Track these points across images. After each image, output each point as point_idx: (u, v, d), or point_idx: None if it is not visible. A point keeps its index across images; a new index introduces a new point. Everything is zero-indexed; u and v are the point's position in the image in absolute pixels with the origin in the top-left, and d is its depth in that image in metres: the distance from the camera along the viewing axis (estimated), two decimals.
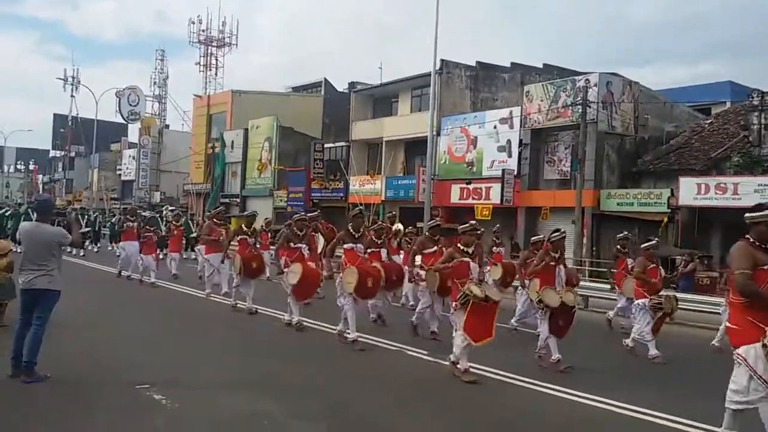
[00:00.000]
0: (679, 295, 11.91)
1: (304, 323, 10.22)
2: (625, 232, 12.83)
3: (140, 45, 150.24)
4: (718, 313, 11.48)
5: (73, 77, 62.22)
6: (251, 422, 5.63)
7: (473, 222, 8.31)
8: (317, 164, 35.78)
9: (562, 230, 8.96)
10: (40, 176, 77.06)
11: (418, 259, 10.54)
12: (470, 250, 7.81)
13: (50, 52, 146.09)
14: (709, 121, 26.22)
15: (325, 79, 45.19)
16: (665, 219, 21.52)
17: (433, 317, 9.71)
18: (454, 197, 28.10)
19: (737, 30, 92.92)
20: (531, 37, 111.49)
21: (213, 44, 56.76)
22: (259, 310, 12.30)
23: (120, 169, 58.67)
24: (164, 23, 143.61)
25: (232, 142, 42.67)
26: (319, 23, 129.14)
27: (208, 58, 56.83)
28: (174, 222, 18.47)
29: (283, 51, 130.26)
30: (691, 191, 20.75)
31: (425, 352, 8.67)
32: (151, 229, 16.15)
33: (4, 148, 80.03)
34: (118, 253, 17.80)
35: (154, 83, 62.31)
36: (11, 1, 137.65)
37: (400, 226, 15.70)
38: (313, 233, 11.90)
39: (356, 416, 6.11)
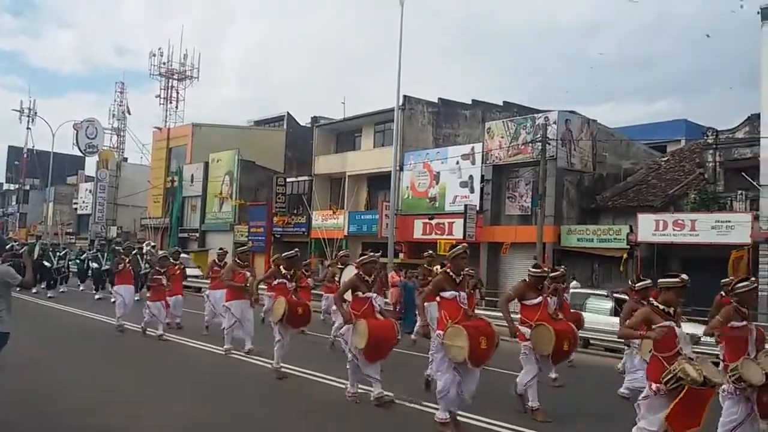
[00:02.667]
0: None
1: (385, 397, 7.96)
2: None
3: (100, 77, 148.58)
4: None
5: (29, 108, 61.05)
6: None
7: (678, 279, 5.96)
8: (279, 198, 35.51)
9: (752, 279, 6.66)
10: None
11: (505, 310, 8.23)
12: (672, 310, 5.82)
13: (7, 83, 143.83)
14: (666, 158, 26.84)
15: (288, 114, 45.11)
16: (625, 255, 21.77)
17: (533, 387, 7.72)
18: (417, 232, 28.08)
19: (690, 68, 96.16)
20: (491, 74, 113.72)
21: (174, 77, 56.29)
22: (182, 341, 12.28)
23: (76, 203, 57.39)
24: (125, 56, 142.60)
25: (192, 175, 42.14)
26: (282, 58, 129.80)
27: (169, 90, 56.24)
28: (173, 261, 15.41)
29: (245, 85, 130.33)
30: (649, 227, 21.08)
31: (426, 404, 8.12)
32: (162, 271, 13.84)
33: None
34: (113, 300, 15.81)
35: (113, 116, 61.48)
36: None
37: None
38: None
39: None
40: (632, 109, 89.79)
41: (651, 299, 5.97)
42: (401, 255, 27.19)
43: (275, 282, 10.03)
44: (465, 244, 7.64)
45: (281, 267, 10.08)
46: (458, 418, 6.99)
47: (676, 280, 5.85)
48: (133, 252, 20.31)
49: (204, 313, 14.22)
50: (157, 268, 14.00)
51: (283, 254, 10.48)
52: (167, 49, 56.82)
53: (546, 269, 8.36)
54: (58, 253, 21.99)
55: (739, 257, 18.75)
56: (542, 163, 23.12)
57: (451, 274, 7.14)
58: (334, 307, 12.32)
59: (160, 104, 55.36)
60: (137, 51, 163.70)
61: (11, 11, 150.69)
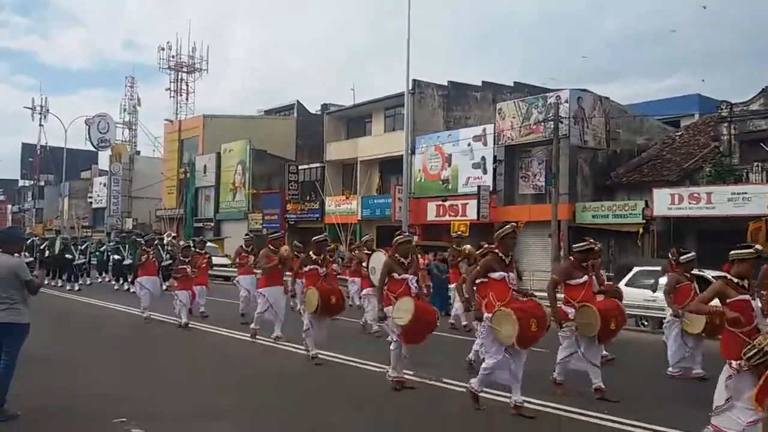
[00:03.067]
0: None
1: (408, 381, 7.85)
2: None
3: (110, 72, 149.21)
4: None
5: (41, 106, 61.42)
6: None
7: (752, 249, 5.66)
8: (292, 186, 35.63)
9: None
10: (10, 206, 75.73)
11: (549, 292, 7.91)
12: (745, 283, 5.48)
13: (20, 82, 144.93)
14: (680, 133, 26.63)
15: (298, 102, 45.15)
16: (640, 230, 21.69)
17: (592, 368, 7.42)
18: (431, 215, 28.09)
19: (702, 43, 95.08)
20: (501, 56, 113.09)
21: (183, 70, 56.45)
22: (212, 330, 12.14)
23: (91, 197, 57.83)
24: (134, 50, 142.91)
25: (205, 166, 42.34)
26: (291, 46, 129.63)
27: (179, 83, 56.45)
28: (198, 250, 15.27)
29: (254, 75, 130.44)
30: (665, 202, 20.97)
31: (428, 377, 8.14)
32: (186, 260, 13.57)
33: None
34: (133, 290, 15.93)
35: (124, 110, 61.81)
36: None
37: (470, 247, 13.54)
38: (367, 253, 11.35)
39: None
40: (644, 85, 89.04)
41: (724, 272, 5.56)
42: (415, 237, 27.18)
43: (306, 269, 9.56)
44: (513, 223, 7.25)
45: (311, 253, 9.70)
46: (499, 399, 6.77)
47: (750, 251, 5.52)
48: (154, 243, 20.44)
49: (239, 301, 13.92)
50: (181, 257, 13.72)
51: (313, 238, 10.04)
52: (176, 42, 57.01)
53: (591, 241, 7.88)
54: (79, 247, 21.86)
55: (757, 228, 18.63)
56: (555, 142, 23.03)
57: (500, 254, 6.90)
58: (365, 291, 12.33)
59: (170, 97, 55.66)
60: (146, 45, 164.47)
61: (19, 11, 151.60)
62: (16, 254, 6.66)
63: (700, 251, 19.05)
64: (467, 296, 7.20)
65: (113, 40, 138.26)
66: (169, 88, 56.23)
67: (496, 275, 6.78)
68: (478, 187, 25.87)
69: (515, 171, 26.32)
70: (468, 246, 13.65)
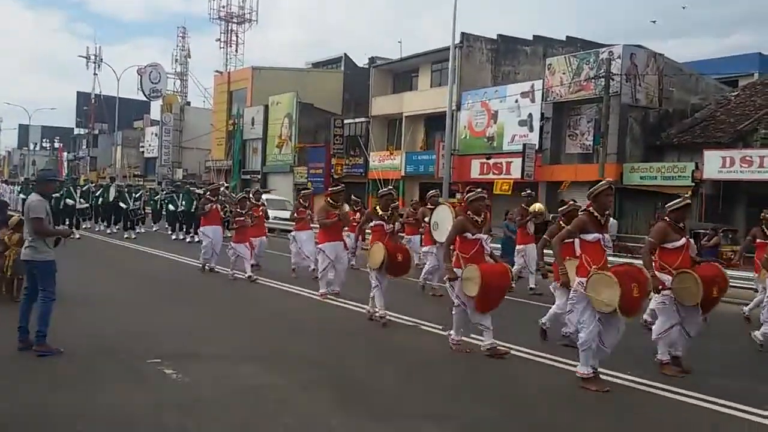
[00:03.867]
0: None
1: (499, 348, 7.26)
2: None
3: (162, 23, 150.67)
4: (749, 288, 11.08)
5: (95, 55, 62.49)
6: (258, 394, 5.64)
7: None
8: (337, 140, 35.70)
9: None
10: (65, 154, 77.86)
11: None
12: None
13: (75, 30, 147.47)
14: (736, 93, 25.63)
15: (345, 55, 44.88)
16: (689, 193, 21.11)
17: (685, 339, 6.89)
18: (474, 173, 27.86)
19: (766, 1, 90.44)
20: (554, 9, 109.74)
21: (233, 20, 56.64)
22: (263, 282, 12.19)
23: (143, 147, 59.07)
24: (186, 1, 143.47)
25: (253, 118, 42.68)
26: None
27: (229, 34, 56.84)
28: (254, 201, 14.79)
29: (303, 27, 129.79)
30: (715, 164, 20.38)
31: (440, 327, 8.33)
32: (243, 212, 13.09)
33: (29, 127, 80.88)
34: (198, 240, 15.85)
35: (176, 60, 62.54)
36: None
37: (540, 206, 12.89)
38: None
39: (361, 386, 6.13)
40: (703, 43, 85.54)
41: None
42: (458, 195, 27.09)
43: (371, 224, 8.98)
44: (609, 179, 6.59)
45: (377, 208, 9.12)
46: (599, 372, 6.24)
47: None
48: (219, 193, 20.34)
49: (290, 255, 13.48)
50: (239, 209, 13.16)
51: (379, 192, 9.43)
52: None
53: (686, 196, 7.21)
54: (133, 195, 21.61)
55: None
56: (605, 100, 22.48)
57: (595, 213, 6.27)
58: (425, 249, 11.86)
59: (220, 48, 56.06)
60: None
61: None
62: (49, 194, 6.92)
63: (750, 216, 18.69)
64: (556, 257, 6.72)
65: None
66: (219, 39, 56.61)
67: (590, 237, 6.24)
68: (524, 145, 25.49)
69: (563, 129, 25.81)
70: (538, 204, 13.06)
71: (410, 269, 9.17)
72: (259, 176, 41.86)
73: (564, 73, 25.10)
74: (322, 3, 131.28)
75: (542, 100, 25.76)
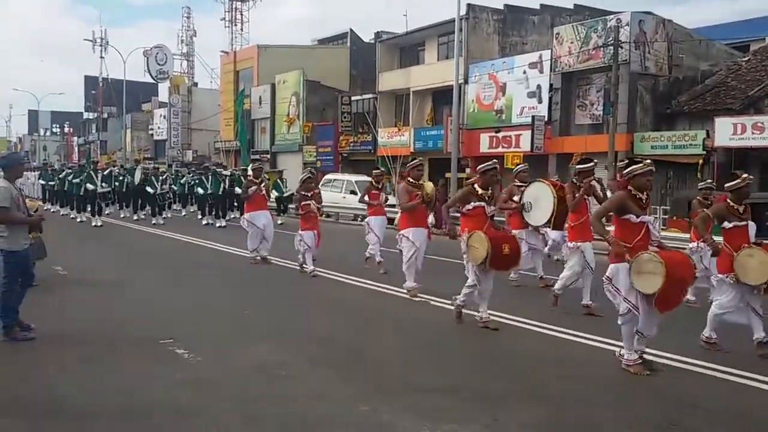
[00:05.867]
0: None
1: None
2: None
3: (167, 3, 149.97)
4: None
5: (101, 38, 62.37)
6: (269, 371, 5.70)
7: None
8: (345, 117, 35.57)
9: None
10: (75, 138, 78.13)
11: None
12: None
13: (81, 14, 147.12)
14: (747, 58, 25.23)
15: (351, 30, 44.50)
16: (701, 161, 20.98)
17: (756, 319, 6.43)
18: (483, 146, 27.72)
19: None
20: None
21: None
22: (275, 262, 12.07)
23: (152, 129, 59.12)
24: None
25: (260, 97, 42.55)
26: None
27: (233, 13, 56.47)
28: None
29: (308, 3, 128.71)
30: (727, 132, 20.16)
31: (449, 302, 8.14)
32: (308, 195, 11.12)
33: (38, 112, 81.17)
34: (222, 225, 15.46)
35: (182, 41, 62.32)
36: None
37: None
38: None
39: (371, 361, 6.19)
40: (713, 8, 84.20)
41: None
42: (467, 170, 27.02)
43: (469, 206, 7.45)
44: (648, 160, 6.04)
45: (476, 186, 7.52)
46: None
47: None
48: (237, 175, 19.73)
49: (371, 244, 11.49)
50: (303, 192, 11.15)
51: (479, 167, 7.78)
52: None
53: (746, 176, 6.67)
54: (160, 178, 20.73)
55: None
56: (614, 68, 22.24)
57: (635, 193, 5.83)
58: (514, 233, 9.72)
59: (225, 27, 55.74)
60: None
61: None
62: (20, 179, 6.86)
63: (762, 184, 18.51)
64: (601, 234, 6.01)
65: None
66: (224, 18, 56.30)
67: (633, 218, 5.79)
68: (533, 117, 25.30)
69: (572, 100, 25.58)
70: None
71: (519, 262, 7.78)
72: (269, 156, 41.83)
73: (572, 43, 24.82)
74: None
75: (551, 71, 25.51)
